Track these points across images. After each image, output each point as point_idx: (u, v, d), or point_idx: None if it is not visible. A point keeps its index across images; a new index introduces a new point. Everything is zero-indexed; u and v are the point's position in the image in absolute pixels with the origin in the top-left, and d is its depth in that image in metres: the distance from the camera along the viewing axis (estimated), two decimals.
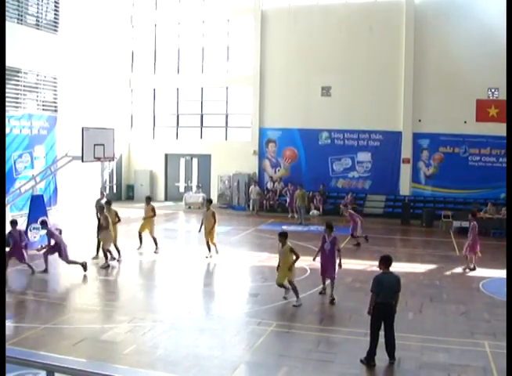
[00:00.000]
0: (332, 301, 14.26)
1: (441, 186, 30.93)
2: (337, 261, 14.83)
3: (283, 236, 15.28)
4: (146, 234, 20.59)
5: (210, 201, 20.70)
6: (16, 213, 24.03)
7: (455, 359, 10.74)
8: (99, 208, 19.63)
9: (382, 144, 31.87)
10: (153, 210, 20.57)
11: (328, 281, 14.99)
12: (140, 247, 20.57)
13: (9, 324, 12.40)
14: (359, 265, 18.63)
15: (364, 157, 32.24)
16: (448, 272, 18.02)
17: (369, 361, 10.38)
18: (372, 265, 17.15)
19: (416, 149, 31.45)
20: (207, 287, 16.33)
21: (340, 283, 16.44)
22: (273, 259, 19.11)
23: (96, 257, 19.04)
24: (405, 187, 31.58)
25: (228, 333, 12.17)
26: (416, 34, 30.67)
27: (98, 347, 11.30)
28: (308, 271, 17.69)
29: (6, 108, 26.32)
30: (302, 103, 32.62)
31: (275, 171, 33.85)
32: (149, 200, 21.08)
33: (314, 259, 15.42)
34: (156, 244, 20.31)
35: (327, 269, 14.93)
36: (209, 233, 19.67)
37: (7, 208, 21.73)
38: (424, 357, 10.83)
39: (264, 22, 33.40)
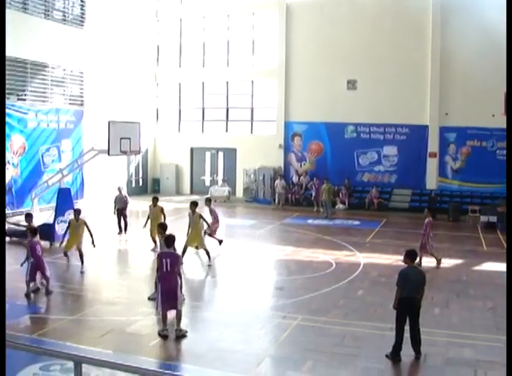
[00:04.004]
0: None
1: (468, 181, 30.62)
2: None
3: (195, 205, 17.59)
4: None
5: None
6: (44, 206, 24.32)
7: (481, 355, 10.65)
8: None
9: (408, 138, 31.63)
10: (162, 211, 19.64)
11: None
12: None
13: (38, 315, 12.57)
14: (385, 260, 18.55)
15: (390, 150, 32.04)
16: (475, 268, 17.87)
17: (394, 356, 10.34)
18: (397, 260, 17.05)
19: (442, 143, 31.16)
20: (232, 280, 16.34)
21: (365, 277, 16.44)
22: (299, 253, 19.17)
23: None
24: (431, 181, 31.33)
25: (253, 326, 12.18)
26: (443, 24, 30.30)
27: (124, 339, 11.39)
28: (334, 265, 17.65)
29: (34, 102, 26.68)
30: (328, 96, 32.48)
31: (300, 165, 33.78)
32: (156, 200, 19.91)
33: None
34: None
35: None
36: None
37: (34, 202, 22.01)
38: (450, 353, 10.75)
39: (289, 15, 33.30)
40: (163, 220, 18.80)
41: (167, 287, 11.33)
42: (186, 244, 17.60)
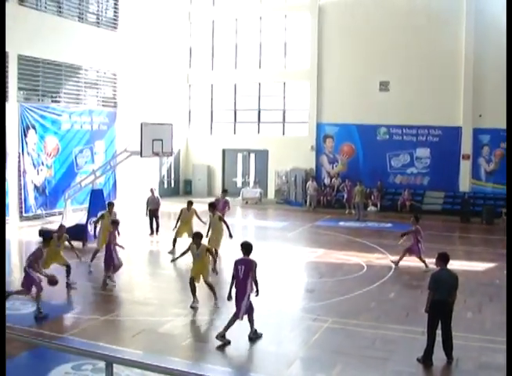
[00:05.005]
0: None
1: (502, 183, 30.10)
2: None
3: (213, 206, 17.95)
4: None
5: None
6: (77, 207, 24.57)
7: None
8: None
9: (441, 140, 31.32)
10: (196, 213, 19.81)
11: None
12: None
13: (70, 315, 12.71)
14: (416, 263, 18.36)
15: (423, 152, 31.76)
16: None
17: (425, 360, 10.25)
18: (430, 263, 16.90)
19: (476, 144, 30.80)
20: (263, 282, 16.33)
21: (397, 280, 16.35)
22: (330, 255, 19.10)
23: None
24: (464, 183, 30.98)
25: (284, 328, 12.18)
26: (477, 24, 29.89)
27: (155, 339, 11.47)
28: (365, 268, 17.56)
29: (68, 104, 26.99)
30: (360, 98, 32.31)
31: (332, 167, 33.66)
32: (190, 204, 19.86)
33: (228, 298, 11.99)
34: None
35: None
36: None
37: (67, 202, 22.28)
38: (483, 358, 10.63)
39: (321, 17, 33.20)
40: (192, 222, 19.29)
41: (240, 294, 11.33)
42: (211, 246, 17.71)
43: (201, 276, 13.67)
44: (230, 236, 17.68)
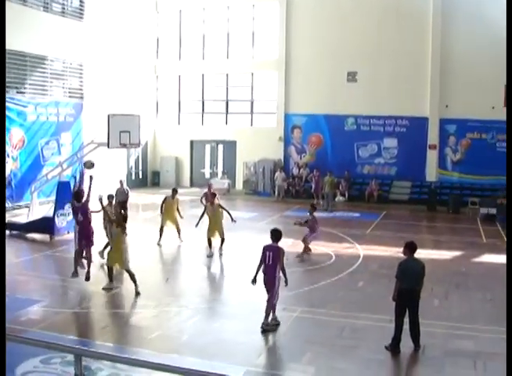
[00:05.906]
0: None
1: (468, 173, 30.63)
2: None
3: (214, 196, 18.23)
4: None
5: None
6: (44, 199, 24.31)
7: (481, 346, 10.68)
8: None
9: (408, 130, 31.62)
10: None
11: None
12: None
13: (38, 308, 12.58)
14: (384, 252, 18.56)
15: (390, 143, 32.03)
16: (474, 259, 17.89)
17: (393, 348, 10.36)
18: (397, 252, 17.05)
19: (442, 135, 31.16)
20: (232, 272, 16.36)
21: (365, 269, 16.47)
22: (299, 245, 19.16)
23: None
24: (431, 173, 31.34)
25: (254, 319, 12.17)
26: (444, 16, 30.23)
27: (124, 332, 11.43)
28: (334, 257, 17.66)
29: (34, 95, 26.65)
30: (328, 88, 32.42)
31: (300, 158, 33.77)
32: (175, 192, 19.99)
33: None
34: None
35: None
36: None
37: (34, 195, 22.02)
38: (450, 344, 10.77)
39: (289, 7, 33.18)
40: (175, 210, 19.56)
41: (270, 280, 11.52)
42: (209, 236, 18.00)
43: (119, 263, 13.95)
44: (232, 220, 18.36)
